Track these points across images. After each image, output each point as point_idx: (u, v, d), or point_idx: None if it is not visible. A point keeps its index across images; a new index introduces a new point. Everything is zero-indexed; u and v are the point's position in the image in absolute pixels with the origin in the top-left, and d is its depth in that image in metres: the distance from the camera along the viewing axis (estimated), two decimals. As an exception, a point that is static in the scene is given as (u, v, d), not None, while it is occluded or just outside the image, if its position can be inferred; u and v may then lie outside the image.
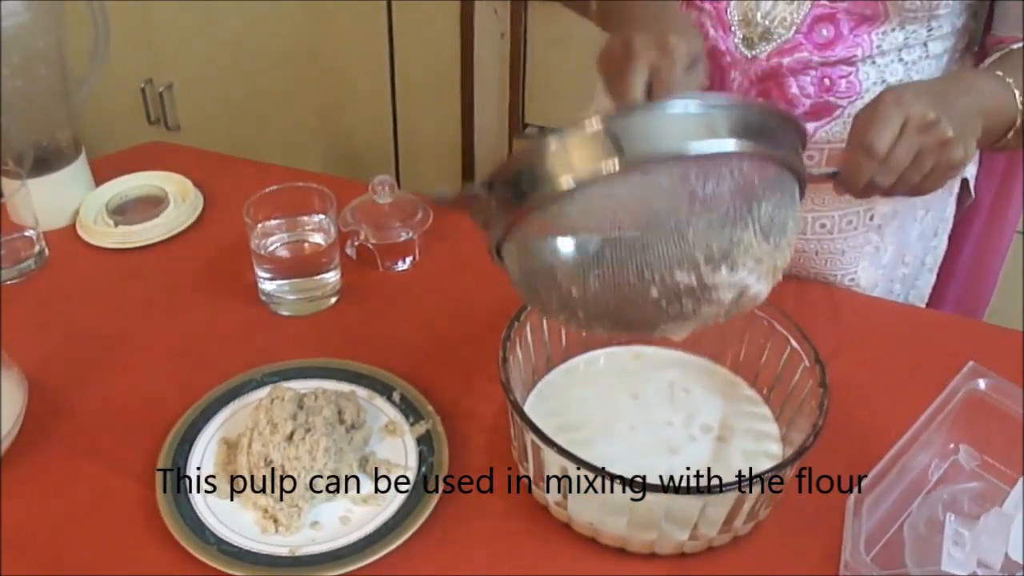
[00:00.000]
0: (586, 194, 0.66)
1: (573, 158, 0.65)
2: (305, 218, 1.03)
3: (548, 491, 0.78)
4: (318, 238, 1.03)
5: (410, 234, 1.06)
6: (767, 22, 0.96)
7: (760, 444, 0.85)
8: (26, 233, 1.07)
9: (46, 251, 1.09)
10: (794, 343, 0.83)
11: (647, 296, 0.69)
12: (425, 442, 0.85)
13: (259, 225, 1.00)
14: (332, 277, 1.03)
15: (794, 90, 0.98)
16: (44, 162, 1.13)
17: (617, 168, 0.64)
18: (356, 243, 1.07)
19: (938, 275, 1.21)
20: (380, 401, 0.89)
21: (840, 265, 1.09)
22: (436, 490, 0.80)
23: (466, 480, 0.83)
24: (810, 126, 1.00)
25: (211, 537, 0.77)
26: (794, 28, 0.96)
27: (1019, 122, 0.89)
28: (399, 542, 0.76)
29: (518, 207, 0.67)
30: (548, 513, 0.80)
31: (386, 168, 2.18)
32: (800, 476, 0.81)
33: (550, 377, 0.90)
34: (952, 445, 0.84)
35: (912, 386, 0.88)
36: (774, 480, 0.74)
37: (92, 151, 1.20)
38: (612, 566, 0.78)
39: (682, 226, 0.67)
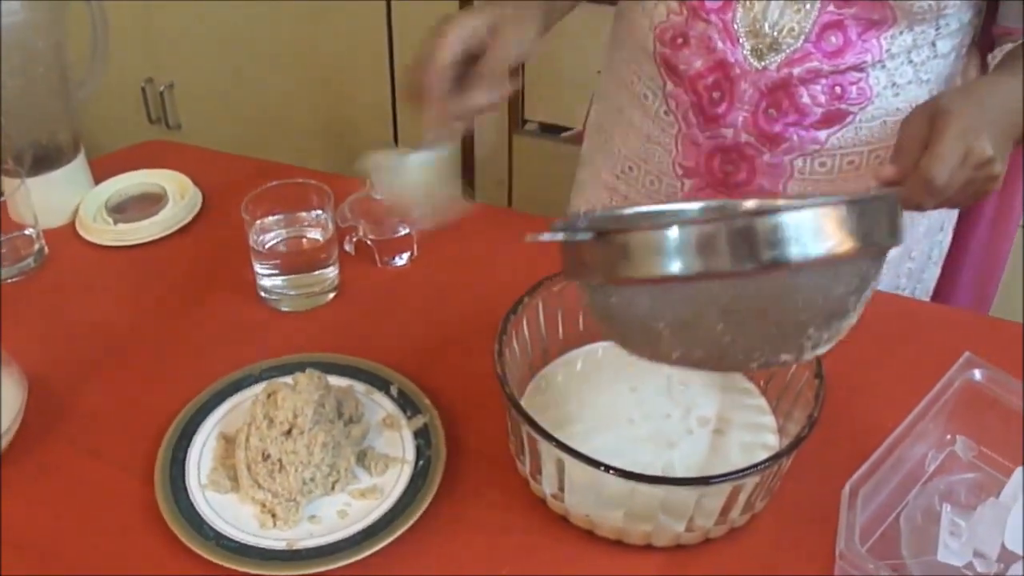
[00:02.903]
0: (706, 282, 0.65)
1: (701, 246, 0.62)
2: (303, 214, 1.04)
3: (545, 484, 0.79)
4: (316, 234, 1.03)
5: (408, 229, 1.07)
6: (775, 32, 0.96)
7: (757, 436, 0.85)
8: (26, 231, 1.07)
9: (46, 249, 1.10)
10: (790, 335, 0.84)
11: (745, 365, 0.70)
12: (423, 436, 0.85)
13: (257, 221, 1.00)
14: (330, 273, 1.03)
15: (805, 99, 0.98)
16: (43, 161, 1.13)
17: (752, 268, 0.62)
18: (354, 239, 1.08)
19: (944, 268, 1.21)
20: (378, 396, 0.90)
21: None
22: (434, 484, 0.81)
23: (464, 474, 0.84)
24: (822, 133, 1.00)
25: (210, 532, 0.78)
26: (803, 37, 0.95)
27: None
28: (396, 535, 0.77)
29: (628, 275, 0.65)
30: (545, 506, 0.81)
31: (386, 165, 2.18)
32: (796, 468, 0.81)
33: (548, 370, 0.90)
34: (949, 436, 0.85)
35: (909, 378, 0.88)
36: (768, 471, 0.74)
37: (94, 151, 1.20)
38: (609, 558, 0.78)
39: (802, 325, 0.67)
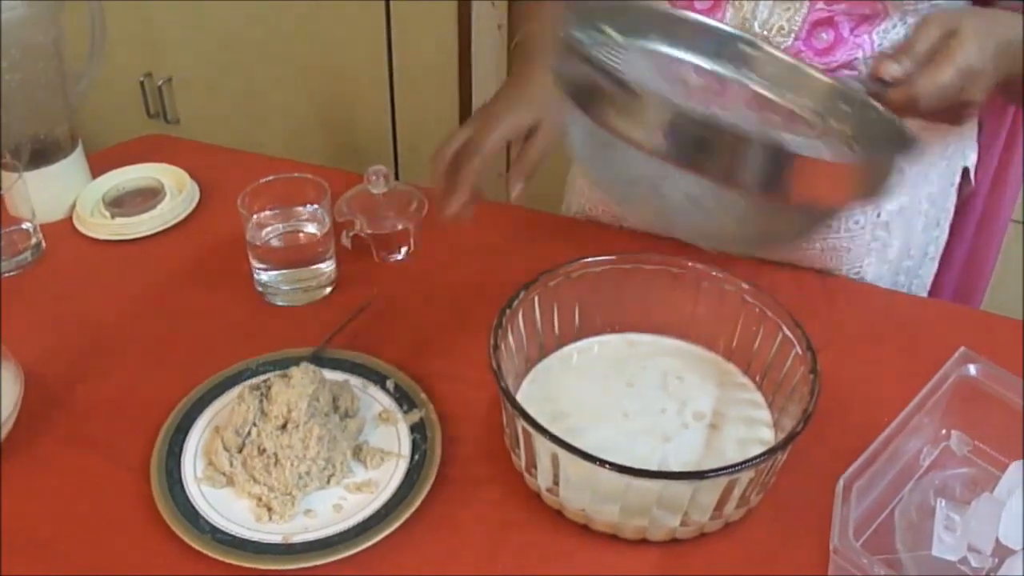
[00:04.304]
0: None
1: (711, 149, 0.63)
2: (300, 208, 1.04)
3: (540, 478, 0.79)
4: (313, 228, 1.03)
5: (405, 224, 1.07)
6: (765, 31, 0.96)
7: (753, 431, 0.85)
8: (23, 226, 1.07)
9: (43, 243, 1.10)
10: (786, 330, 0.84)
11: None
12: (419, 430, 0.85)
13: (254, 216, 1.00)
14: (327, 267, 1.03)
15: None
16: (41, 155, 1.13)
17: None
18: (352, 233, 1.08)
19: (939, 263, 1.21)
20: (374, 390, 0.90)
21: (845, 261, 1.09)
22: (429, 478, 0.81)
23: (459, 468, 0.84)
24: None
25: (206, 526, 0.78)
26: (793, 35, 0.95)
27: None
28: (391, 529, 0.77)
29: (630, 136, 0.64)
30: (540, 500, 0.81)
31: (385, 160, 2.18)
32: (792, 462, 0.81)
33: (543, 365, 0.90)
34: (944, 431, 0.85)
35: (905, 373, 0.88)
36: (763, 466, 0.74)
37: (92, 145, 1.20)
38: (605, 552, 0.78)
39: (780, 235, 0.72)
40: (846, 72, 0.96)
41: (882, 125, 0.76)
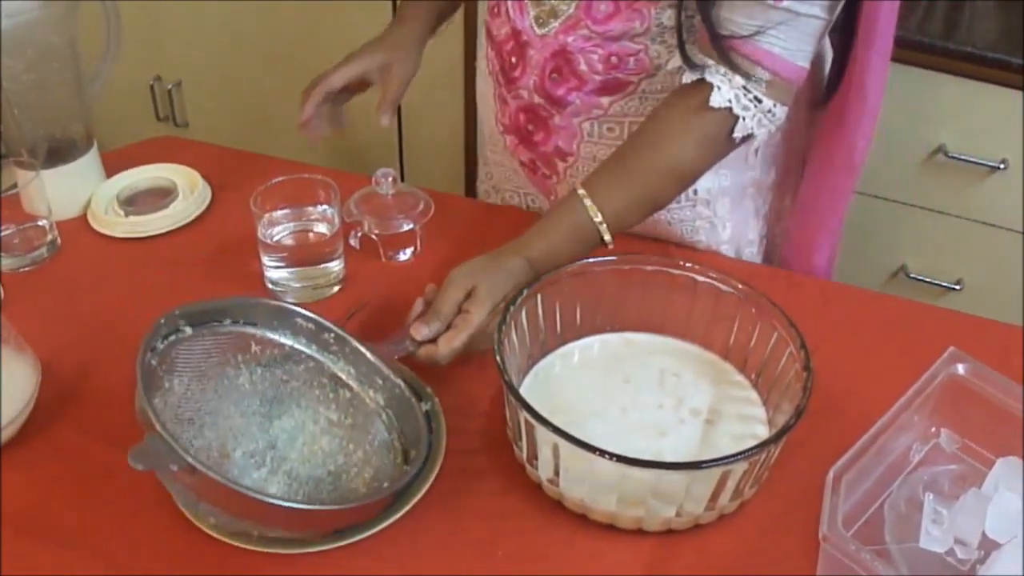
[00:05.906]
0: None
1: None
2: (310, 208, 1.06)
3: (541, 469, 0.81)
4: (322, 228, 1.06)
5: (412, 225, 1.09)
6: (552, 0, 1.00)
7: (747, 427, 0.87)
8: (39, 222, 1.10)
9: (58, 240, 1.12)
10: (781, 330, 0.86)
11: None
12: (425, 422, 0.88)
13: (266, 215, 1.03)
14: (336, 266, 1.06)
15: (583, 67, 1.02)
16: (57, 154, 1.16)
17: None
18: (359, 234, 1.10)
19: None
20: (381, 384, 0.92)
21: (675, 236, 1.13)
22: (434, 468, 0.83)
23: (463, 459, 0.86)
24: (604, 100, 1.04)
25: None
26: (574, 4, 0.99)
27: (605, 238, 0.95)
28: (396, 516, 0.80)
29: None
30: (541, 491, 0.83)
31: (391, 164, 2.20)
32: (785, 458, 0.84)
33: (545, 362, 0.93)
34: (934, 429, 0.87)
35: (896, 373, 0.90)
36: (756, 458, 0.76)
37: (102, 147, 1.22)
38: (602, 542, 0.80)
39: None
40: (630, 44, 0.99)
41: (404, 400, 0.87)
